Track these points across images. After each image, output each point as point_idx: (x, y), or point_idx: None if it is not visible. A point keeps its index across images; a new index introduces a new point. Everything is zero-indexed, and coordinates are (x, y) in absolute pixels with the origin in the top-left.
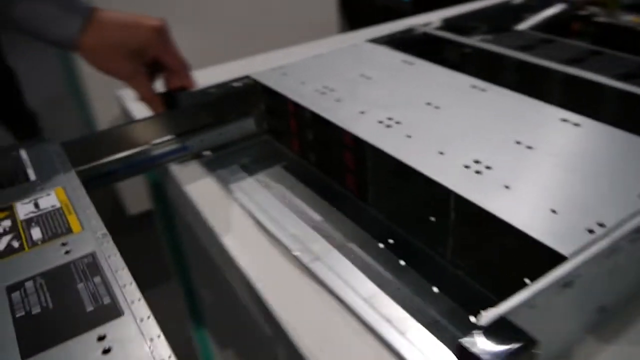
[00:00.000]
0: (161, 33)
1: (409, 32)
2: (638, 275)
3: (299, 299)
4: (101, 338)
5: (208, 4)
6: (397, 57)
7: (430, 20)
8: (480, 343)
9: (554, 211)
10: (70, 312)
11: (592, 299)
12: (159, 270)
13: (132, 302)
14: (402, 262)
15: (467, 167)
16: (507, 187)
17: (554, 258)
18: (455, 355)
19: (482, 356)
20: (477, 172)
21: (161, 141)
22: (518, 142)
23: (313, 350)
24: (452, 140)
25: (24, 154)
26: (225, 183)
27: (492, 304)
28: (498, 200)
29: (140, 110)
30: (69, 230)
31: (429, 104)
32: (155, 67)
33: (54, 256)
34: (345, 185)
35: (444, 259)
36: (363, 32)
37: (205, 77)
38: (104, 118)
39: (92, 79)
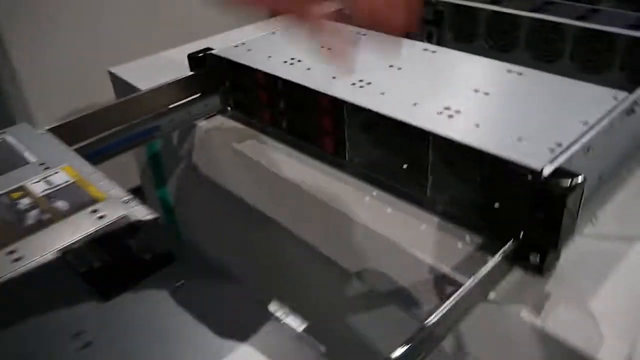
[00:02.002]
0: None
1: None
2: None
3: None
4: (171, 276)
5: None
6: (349, 29)
7: None
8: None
9: (520, 139)
10: (131, 262)
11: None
12: None
13: (183, 245)
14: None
15: (439, 113)
16: (477, 125)
17: (528, 174)
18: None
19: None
20: (450, 116)
21: (137, 122)
22: (476, 90)
23: None
24: (420, 94)
25: (11, 139)
26: None
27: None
28: (473, 136)
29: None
30: (94, 200)
31: (391, 66)
32: None
33: (90, 222)
34: (323, 147)
35: (425, 196)
36: None
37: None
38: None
39: None
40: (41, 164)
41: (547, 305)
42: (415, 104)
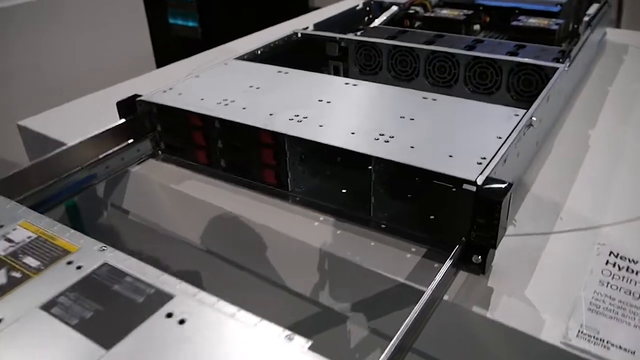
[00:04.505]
0: None
1: (285, 39)
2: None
3: None
4: (169, 315)
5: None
6: (269, 69)
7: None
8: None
9: (451, 156)
10: (125, 306)
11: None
12: None
13: (176, 285)
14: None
15: (376, 139)
16: (412, 147)
17: (463, 185)
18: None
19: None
20: (386, 141)
21: (68, 174)
22: (402, 117)
23: None
24: (355, 123)
25: None
26: None
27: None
28: (410, 157)
29: None
30: (66, 252)
31: (320, 100)
32: None
33: (69, 274)
34: (264, 180)
35: (370, 216)
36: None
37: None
38: None
39: None
40: None
41: (492, 298)
42: (353, 133)
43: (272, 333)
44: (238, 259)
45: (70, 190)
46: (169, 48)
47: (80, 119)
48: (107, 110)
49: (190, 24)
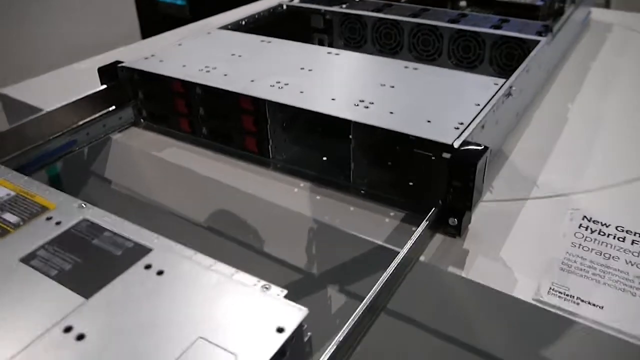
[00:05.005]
0: None
1: (270, 10)
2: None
3: None
4: (148, 266)
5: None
6: (252, 39)
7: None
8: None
9: (429, 121)
10: (104, 258)
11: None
12: None
13: (153, 239)
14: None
15: (356, 105)
16: (391, 112)
17: (442, 149)
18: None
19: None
20: (366, 107)
21: (48, 139)
22: (383, 85)
23: None
24: (335, 90)
25: None
26: None
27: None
28: (389, 121)
29: None
30: (45, 208)
31: (302, 68)
32: None
33: (48, 229)
34: (246, 147)
35: (350, 182)
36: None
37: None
38: None
39: None
40: None
41: (467, 259)
42: (333, 99)
43: (248, 282)
44: (219, 226)
45: (51, 155)
46: (156, 26)
47: (63, 88)
48: (90, 78)
49: (178, 2)
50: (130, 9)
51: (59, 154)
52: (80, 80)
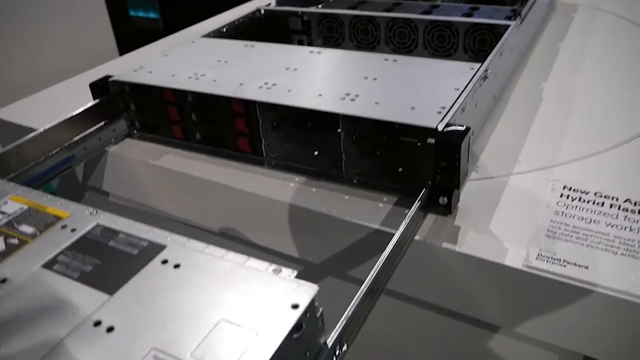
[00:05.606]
0: None
1: (249, 16)
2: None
3: None
4: (164, 262)
5: None
6: (236, 44)
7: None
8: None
9: (413, 108)
10: (121, 258)
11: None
12: None
13: (166, 237)
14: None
15: (343, 98)
16: (376, 103)
17: (427, 133)
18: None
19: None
20: (352, 99)
21: (45, 156)
22: (366, 77)
23: None
24: (321, 87)
25: None
26: None
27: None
28: (376, 112)
29: None
30: (58, 218)
31: (287, 68)
32: None
33: (64, 236)
34: (239, 149)
35: (342, 173)
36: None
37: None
38: None
39: None
40: None
41: (459, 235)
42: (320, 95)
43: (260, 267)
44: (221, 226)
45: (50, 172)
46: (131, 40)
47: (54, 106)
48: (79, 96)
49: (152, 15)
50: (105, 24)
51: (60, 168)
52: (72, 97)
